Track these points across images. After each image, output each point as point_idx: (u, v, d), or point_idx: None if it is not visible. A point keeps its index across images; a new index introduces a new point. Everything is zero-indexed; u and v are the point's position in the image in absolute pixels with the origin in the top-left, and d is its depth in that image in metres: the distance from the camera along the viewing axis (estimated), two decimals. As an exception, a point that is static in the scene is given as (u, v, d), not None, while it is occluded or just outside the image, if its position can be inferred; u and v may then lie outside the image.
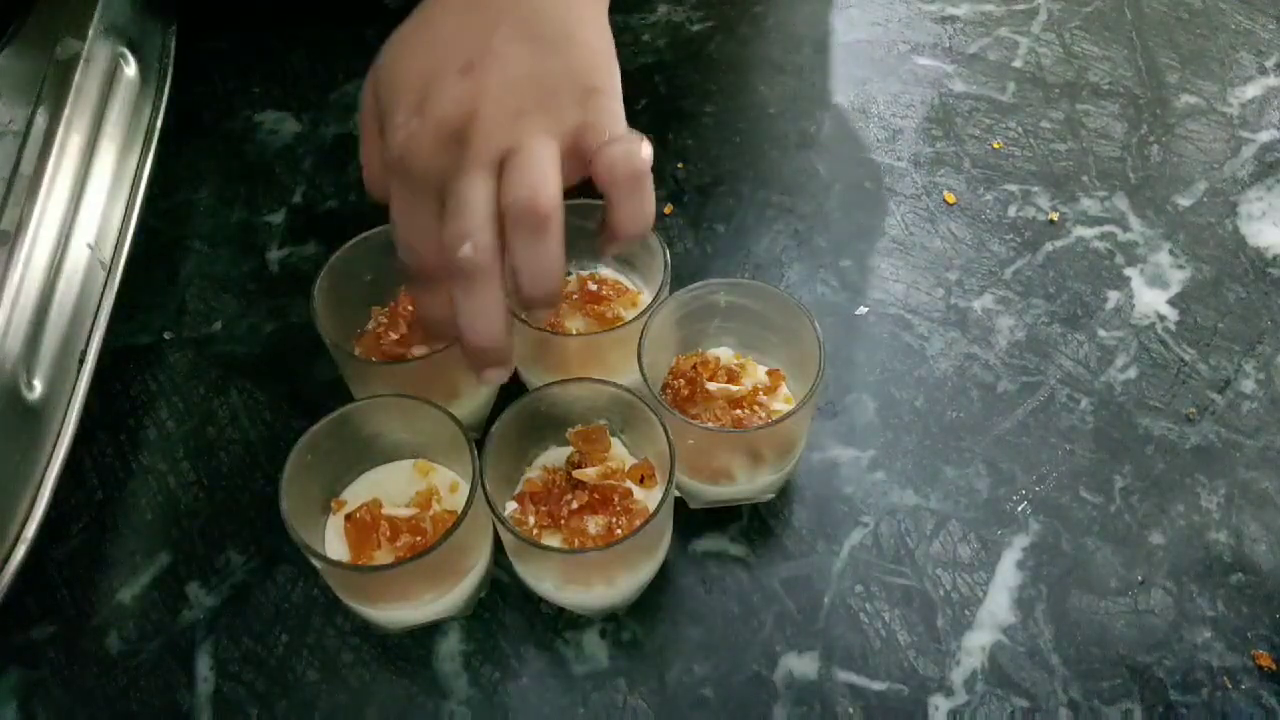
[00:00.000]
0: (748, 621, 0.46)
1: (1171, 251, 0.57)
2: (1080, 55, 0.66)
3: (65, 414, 0.47)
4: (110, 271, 0.50)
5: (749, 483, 0.46)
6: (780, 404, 0.46)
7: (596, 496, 0.43)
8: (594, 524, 0.42)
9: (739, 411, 0.45)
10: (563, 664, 0.45)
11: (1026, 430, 0.51)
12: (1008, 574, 0.47)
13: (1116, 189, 0.60)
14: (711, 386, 0.46)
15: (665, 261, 0.47)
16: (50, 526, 0.44)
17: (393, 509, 0.44)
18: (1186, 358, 0.53)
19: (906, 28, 0.68)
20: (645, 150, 0.37)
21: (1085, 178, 0.60)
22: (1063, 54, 0.66)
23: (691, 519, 0.48)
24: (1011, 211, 0.59)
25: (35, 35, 0.52)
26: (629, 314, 0.48)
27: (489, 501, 0.41)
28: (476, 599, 0.46)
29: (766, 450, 0.45)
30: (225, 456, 0.51)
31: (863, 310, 0.55)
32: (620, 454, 0.45)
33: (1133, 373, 0.53)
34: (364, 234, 0.48)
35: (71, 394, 0.47)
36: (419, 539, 0.42)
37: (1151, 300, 0.55)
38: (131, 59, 0.56)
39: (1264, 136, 0.62)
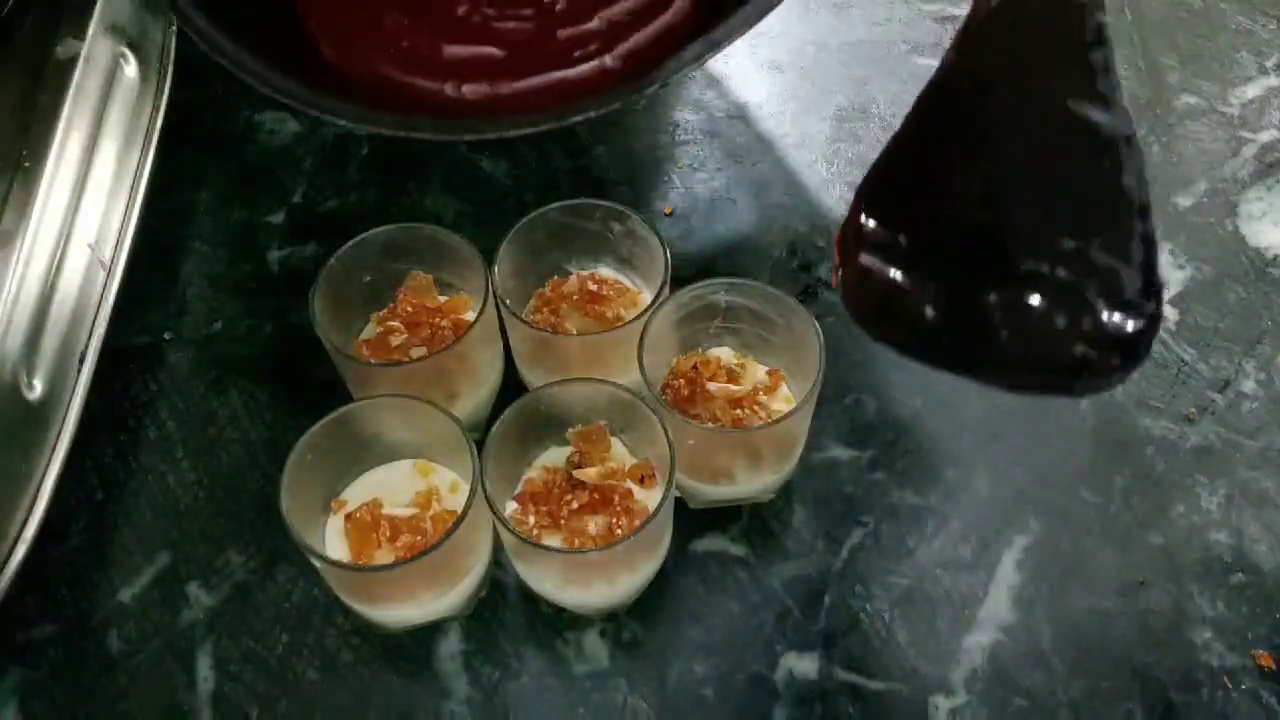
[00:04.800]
0: (748, 621, 0.46)
1: (1171, 251, 0.57)
2: (1080, 55, 0.66)
3: (65, 414, 0.47)
4: (110, 271, 0.50)
5: (749, 483, 0.46)
6: (780, 404, 0.46)
7: (596, 496, 0.43)
8: (594, 524, 0.42)
9: (739, 411, 0.45)
10: (563, 664, 0.45)
11: (1026, 430, 0.51)
12: (1008, 574, 0.47)
13: (1116, 189, 0.60)
14: (711, 387, 0.46)
15: (665, 261, 0.47)
16: (50, 526, 0.44)
17: (393, 509, 0.44)
18: (1186, 358, 0.53)
19: (906, 28, 0.68)
20: None
21: (1085, 178, 0.60)
22: (1063, 54, 0.66)
23: (691, 519, 0.48)
24: (1011, 211, 0.59)
25: (35, 35, 0.52)
26: (629, 314, 0.48)
27: (489, 501, 0.41)
28: (476, 599, 0.46)
29: (766, 450, 0.45)
30: (225, 456, 0.51)
31: (863, 310, 0.55)
32: (620, 454, 0.45)
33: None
34: (363, 234, 0.48)
35: (71, 394, 0.47)
36: (419, 539, 0.42)
37: (1151, 300, 0.55)
38: (131, 59, 0.56)
39: (1264, 136, 0.62)
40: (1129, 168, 0.32)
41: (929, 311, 0.32)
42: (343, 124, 0.48)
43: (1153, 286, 0.30)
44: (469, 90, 0.54)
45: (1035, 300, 0.30)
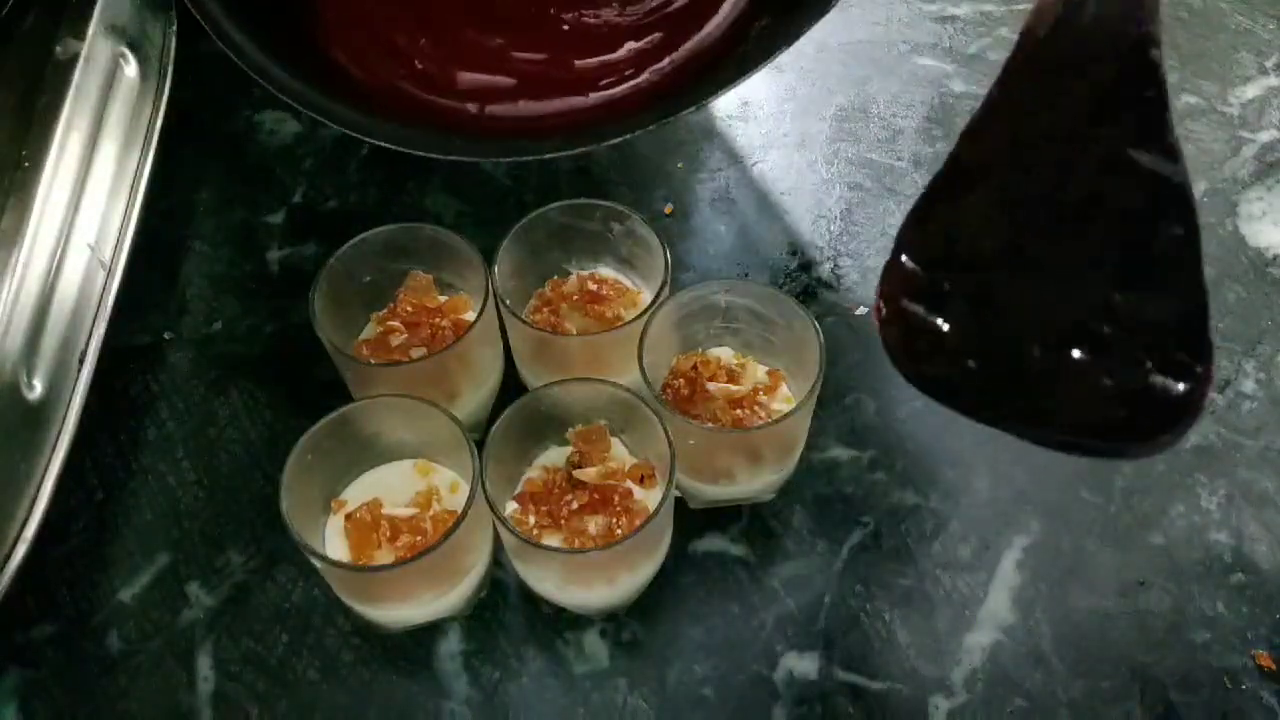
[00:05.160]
0: (748, 621, 0.46)
1: (1171, 251, 0.57)
2: (1080, 55, 0.66)
3: (65, 414, 0.47)
4: (110, 271, 0.50)
5: (749, 483, 0.46)
6: (780, 404, 0.46)
7: (596, 496, 0.43)
8: (594, 524, 0.42)
9: (739, 411, 0.45)
10: (563, 664, 0.45)
11: (1026, 430, 0.51)
12: (1008, 574, 0.47)
13: (1116, 189, 0.60)
14: (711, 387, 0.46)
15: (665, 261, 0.47)
16: (50, 526, 0.44)
17: (393, 509, 0.44)
18: (1186, 358, 0.53)
19: (906, 28, 0.68)
20: None
21: (1085, 178, 0.60)
22: (1063, 54, 0.66)
23: (691, 519, 0.48)
24: (1011, 211, 0.59)
25: (35, 35, 0.52)
26: (629, 314, 0.48)
27: (489, 501, 0.41)
28: (476, 599, 0.46)
29: (766, 450, 0.45)
30: (225, 456, 0.51)
31: (863, 310, 0.55)
32: (620, 454, 0.45)
33: (1133, 373, 0.53)
34: (363, 234, 0.48)
35: (71, 394, 0.47)
36: (419, 539, 0.42)
37: (1151, 300, 0.55)
38: (131, 59, 0.56)
39: (1264, 136, 0.62)
40: (1181, 218, 0.30)
41: (970, 362, 0.31)
42: (379, 143, 0.48)
43: (1204, 346, 0.29)
44: (494, 110, 0.54)
45: (1079, 356, 0.29)
